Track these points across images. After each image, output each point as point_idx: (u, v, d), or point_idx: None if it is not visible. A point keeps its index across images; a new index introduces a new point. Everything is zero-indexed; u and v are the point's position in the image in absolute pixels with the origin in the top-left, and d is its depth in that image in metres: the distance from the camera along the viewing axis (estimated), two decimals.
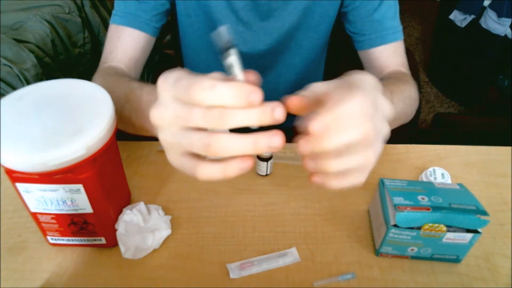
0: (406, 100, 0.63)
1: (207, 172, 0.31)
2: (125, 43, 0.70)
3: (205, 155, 0.31)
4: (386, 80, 0.66)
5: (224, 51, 0.31)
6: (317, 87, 0.37)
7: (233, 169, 0.31)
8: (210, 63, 0.81)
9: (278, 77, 0.83)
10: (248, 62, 0.79)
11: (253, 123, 0.30)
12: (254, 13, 0.71)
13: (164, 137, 0.33)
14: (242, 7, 0.71)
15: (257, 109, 0.30)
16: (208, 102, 0.29)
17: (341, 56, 0.87)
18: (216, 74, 0.32)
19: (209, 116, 0.30)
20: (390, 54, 0.73)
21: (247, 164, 0.31)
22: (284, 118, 0.31)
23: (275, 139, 0.30)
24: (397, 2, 0.73)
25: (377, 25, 0.72)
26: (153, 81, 1.03)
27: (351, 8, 0.73)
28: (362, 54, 0.76)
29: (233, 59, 0.31)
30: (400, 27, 0.73)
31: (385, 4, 0.71)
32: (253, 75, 0.32)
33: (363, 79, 0.35)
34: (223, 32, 0.31)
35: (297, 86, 0.85)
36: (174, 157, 0.34)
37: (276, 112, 0.30)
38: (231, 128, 0.30)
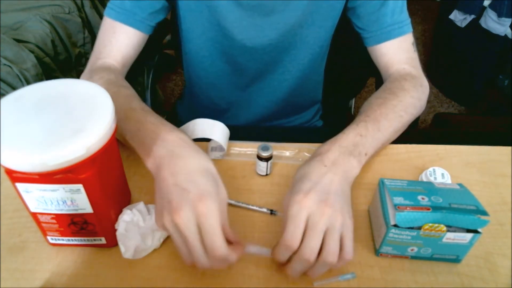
0: (401, 112, 0.63)
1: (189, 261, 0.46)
2: (120, 40, 0.70)
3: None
4: (374, 101, 0.65)
5: None
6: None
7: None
8: (214, 58, 0.80)
9: (283, 73, 0.82)
10: (253, 57, 0.78)
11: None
12: (259, 7, 0.71)
13: (162, 222, 0.45)
14: (247, 2, 0.70)
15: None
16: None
17: (340, 50, 0.87)
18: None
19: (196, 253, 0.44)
20: (396, 50, 0.73)
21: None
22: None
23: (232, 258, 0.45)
24: None
25: (383, 20, 0.71)
26: (153, 80, 1.03)
27: (358, 3, 0.72)
28: (370, 50, 0.77)
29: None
30: (408, 20, 0.73)
31: None
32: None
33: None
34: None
35: (301, 81, 0.84)
36: (161, 225, 0.45)
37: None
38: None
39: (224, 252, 0.43)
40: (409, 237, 0.49)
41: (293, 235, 0.45)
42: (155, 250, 0.53)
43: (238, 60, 0.79)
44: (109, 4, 0.70)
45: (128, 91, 0.63)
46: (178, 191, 0.44)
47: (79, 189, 0.44)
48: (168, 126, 0.54)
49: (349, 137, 0.56)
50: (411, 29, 0.73)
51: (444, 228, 0.48)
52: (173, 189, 0.45)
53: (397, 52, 0.73)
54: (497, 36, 1.75)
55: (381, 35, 0.72)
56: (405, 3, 0.73)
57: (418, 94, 0.68)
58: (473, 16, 1.80)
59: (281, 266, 0.49)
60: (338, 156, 0.53)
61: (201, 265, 0.45)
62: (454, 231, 0.48)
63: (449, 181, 0.60)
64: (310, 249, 0.44)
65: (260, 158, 0.61)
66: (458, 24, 1.88)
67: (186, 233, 0.43)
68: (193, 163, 0.48)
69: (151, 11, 0.71)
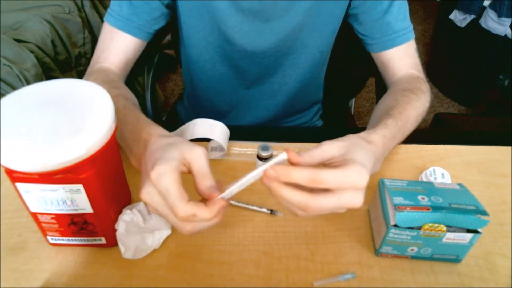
0: (418, 117, 0.65)
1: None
2: (118, 46, 0.71)
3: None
4: (400, 99, 0.66)
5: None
6: (326, 150, 0.46)
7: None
8: (215, 62, 0.80)
9: (283, 77, 0.82)
10: (253, 61, 0.78)
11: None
12: (260, 13, 0.71)
13: (152, 209, 0.44)
14: (248, 7, 0.70)
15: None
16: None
17: (339, 51, 0.87)
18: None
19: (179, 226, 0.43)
20: (401, 56, 0.73)
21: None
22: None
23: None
24: (406, 2, 0.72)
25: (387, 27, 0.71)
26: (153, 80, 1.03)
27: (361, 10, 0.72)
28: (374, 56, 0.77)
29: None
30: (411, 27, 0.73)
31: (395, 5, 0.70)
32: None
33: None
34: None
35: (302, 85, 0.85)
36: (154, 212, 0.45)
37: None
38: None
39: (183, 210, 0.41)
40: (409, 237, 0.49)
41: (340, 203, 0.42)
42: (155, 250, 0.53)
43: (238, 64, 0.79)
44: (108, 9, 0.70)
45: (118, 91, 0.63)
46: (144, 175, 0.45)
47: (79, 189, 0.44)
48: (142, 123, 0.54)
49: (391, 134, 0.57)
50: (414, 35, 0.74)
51: (444, 228, 0.48)
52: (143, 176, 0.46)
53: (403, 58, 0.74)
54: (497, 36, 1.75)
55: (386, 42, 0.73)
56: (407, 9, 0.73)
57: (429, 98, 0.70)
58: (473, 16, 1.80)
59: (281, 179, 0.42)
60: (380, 155, 0.54)
61: (184, 231, 0.43)
62: (454, 231, 0.48)
63: (449, 181, 0.60)
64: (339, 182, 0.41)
65: (260, 158, 0.61)
66: (458, 24, 1.88)
67: (153, 205, 0.43)
68: (159, 144, 0.48)
69: (149, 19, 0.71)
